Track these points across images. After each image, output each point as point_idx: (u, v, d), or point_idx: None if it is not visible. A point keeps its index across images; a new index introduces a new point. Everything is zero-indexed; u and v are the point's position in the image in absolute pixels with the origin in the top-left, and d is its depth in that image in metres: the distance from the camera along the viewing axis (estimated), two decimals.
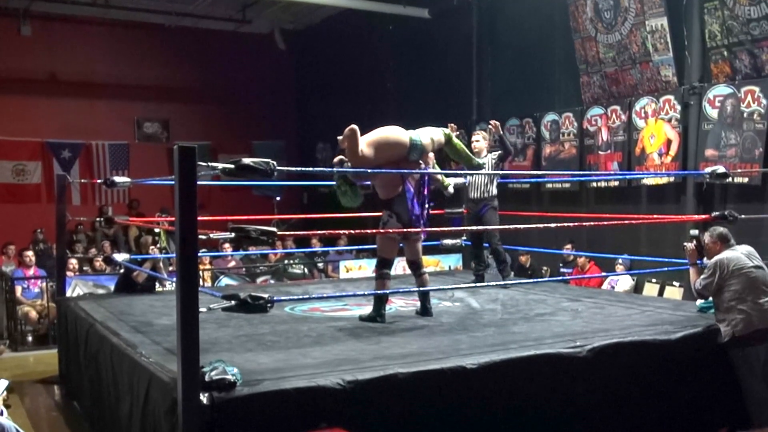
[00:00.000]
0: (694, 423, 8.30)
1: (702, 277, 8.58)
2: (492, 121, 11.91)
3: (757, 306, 8.30)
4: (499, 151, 11.52)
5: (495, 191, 11.67)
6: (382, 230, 9.11)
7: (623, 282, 14.47)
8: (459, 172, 11.58)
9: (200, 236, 6.43)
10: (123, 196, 23.09)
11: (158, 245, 17.56)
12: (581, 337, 7.99)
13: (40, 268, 16.27)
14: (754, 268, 8.48)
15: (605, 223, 12.36)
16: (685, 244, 9.34)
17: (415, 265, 9.55)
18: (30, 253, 16.48)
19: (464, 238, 13.69)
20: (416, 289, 9.22)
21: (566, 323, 9.01)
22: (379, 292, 9.11)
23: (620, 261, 14.60)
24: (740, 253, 8.57)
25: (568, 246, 15.53)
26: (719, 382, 8.47)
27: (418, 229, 9.22)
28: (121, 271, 12.94)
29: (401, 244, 9.63)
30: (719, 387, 8.47)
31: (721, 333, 8.40)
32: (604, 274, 14.42)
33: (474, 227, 11.89)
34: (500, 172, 11.64)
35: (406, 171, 9.07)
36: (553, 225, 11.47)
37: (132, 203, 22.91)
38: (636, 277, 14.78)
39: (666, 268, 12.38)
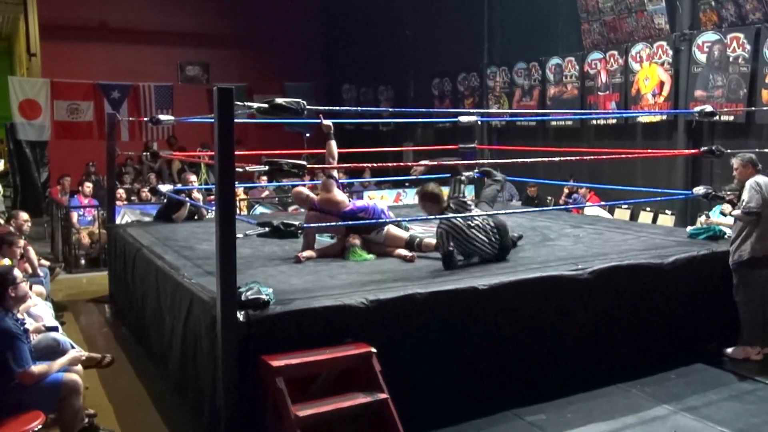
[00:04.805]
0: (684, 338, 8.25)
1: (745, 196, 8.16)
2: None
3: None
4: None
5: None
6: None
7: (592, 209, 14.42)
8: (472, 111, 11.42)
9: (237, 169, 6.35)
10: (167, 133, 23.03)
11: (199, 177, 17.53)
12: (582, 261, 7.94)
13: (92, 198, 16.28)
14: None
15: (604, 157, 12.28)
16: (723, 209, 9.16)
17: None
18: (89, 184, 16.49)
19: (476, 170, 13.60)
20: (437, 216, 8.89)
21: (569, 248, 8.93)
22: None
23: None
24: None
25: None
26: (708, 302, 8.41)
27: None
28: (164, 200, 12.88)
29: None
30: (707, 306, 8.41)
31: (733, 252, 8.26)
32: (602, 203, 14.33)
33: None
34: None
35: None
36: (557, 159, 11.32)
37: (170, 139, 22.79)
38: (632, 206, 14.79)
39: (659, 198, 12.30)
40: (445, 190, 8.68)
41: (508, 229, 8.33)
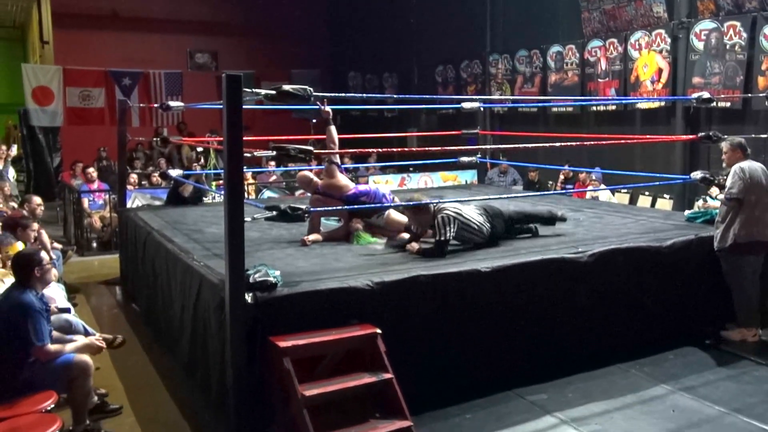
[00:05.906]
0: (682, 320, 8.24)
1: (729, 182, 8.11)
2: None
3: (761, 220, 8.04)
4: None
5: None
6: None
7: (603, 194, 14.33)
8: (475, 97, 11.38)
9: (245, 154, 6.34)
10: (176, 119, 23.03)
11: (209, 163, 17.55)
12: (583, 244, 7.92)
13: (103, 183, 16.29)
14: (767, 183, 8.15)
15: (604, 142, 12.25)
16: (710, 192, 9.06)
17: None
18: (92, 169, 16.50)
19: (479, 155, 13.59)
20: (439, 201, 8.91)
21: (569, 231, 8.90)
22: None
23: (594, 176, 14.53)
24: (758, 167, 8.17)
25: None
26: (706, 284, 8.38)
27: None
28: (172, 183, 12.93)
29: None
30: (706, 288, 8.38)
31: (718, 238, 8.20)
32: (603, 187, 14.30)
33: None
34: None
35: None
36: (557, 144, 11.31)
37: (180, 125, 22.81)
38: (630, 190, 14.76)
39: (657, 183, 12.27)
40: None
41: (503, 213, 8.28)
